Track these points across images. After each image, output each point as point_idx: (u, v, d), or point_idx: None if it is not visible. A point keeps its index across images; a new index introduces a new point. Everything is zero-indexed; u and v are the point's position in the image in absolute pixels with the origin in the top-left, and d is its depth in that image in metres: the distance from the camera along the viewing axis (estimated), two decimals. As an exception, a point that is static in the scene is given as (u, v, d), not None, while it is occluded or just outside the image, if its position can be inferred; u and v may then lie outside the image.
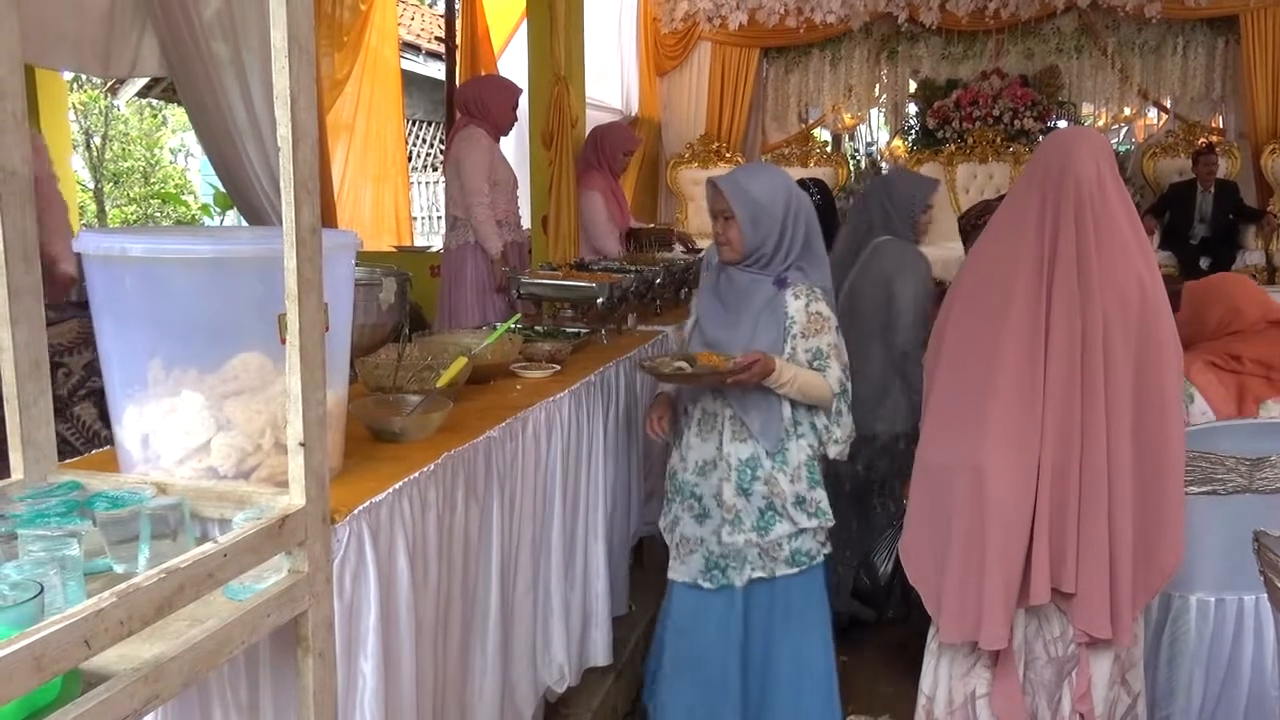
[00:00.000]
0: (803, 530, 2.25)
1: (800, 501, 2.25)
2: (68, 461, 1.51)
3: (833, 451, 2.28)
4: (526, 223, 4.66)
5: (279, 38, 1.08)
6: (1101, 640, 1.79)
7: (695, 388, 2.28)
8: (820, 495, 2.28)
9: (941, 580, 1.84)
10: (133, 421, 1.36)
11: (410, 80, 7.98)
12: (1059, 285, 1.74)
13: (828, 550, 2.33)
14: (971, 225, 2.74)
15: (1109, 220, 1.75)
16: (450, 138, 4.34)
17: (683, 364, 2.22)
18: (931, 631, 1.98)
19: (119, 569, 1.19)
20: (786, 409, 2.23)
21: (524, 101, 4.33)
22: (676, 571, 2.34)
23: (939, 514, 1.86)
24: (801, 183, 3.27)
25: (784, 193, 2.20)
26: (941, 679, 1.97)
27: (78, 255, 1.33)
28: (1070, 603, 1.80)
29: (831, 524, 2.29)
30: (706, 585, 2.29)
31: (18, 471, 1.26)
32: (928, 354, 2.05)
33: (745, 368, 2.10)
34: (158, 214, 10.74)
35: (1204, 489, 2.04)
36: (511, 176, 4.16)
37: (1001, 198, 2.76)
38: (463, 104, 4.17)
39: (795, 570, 2.27)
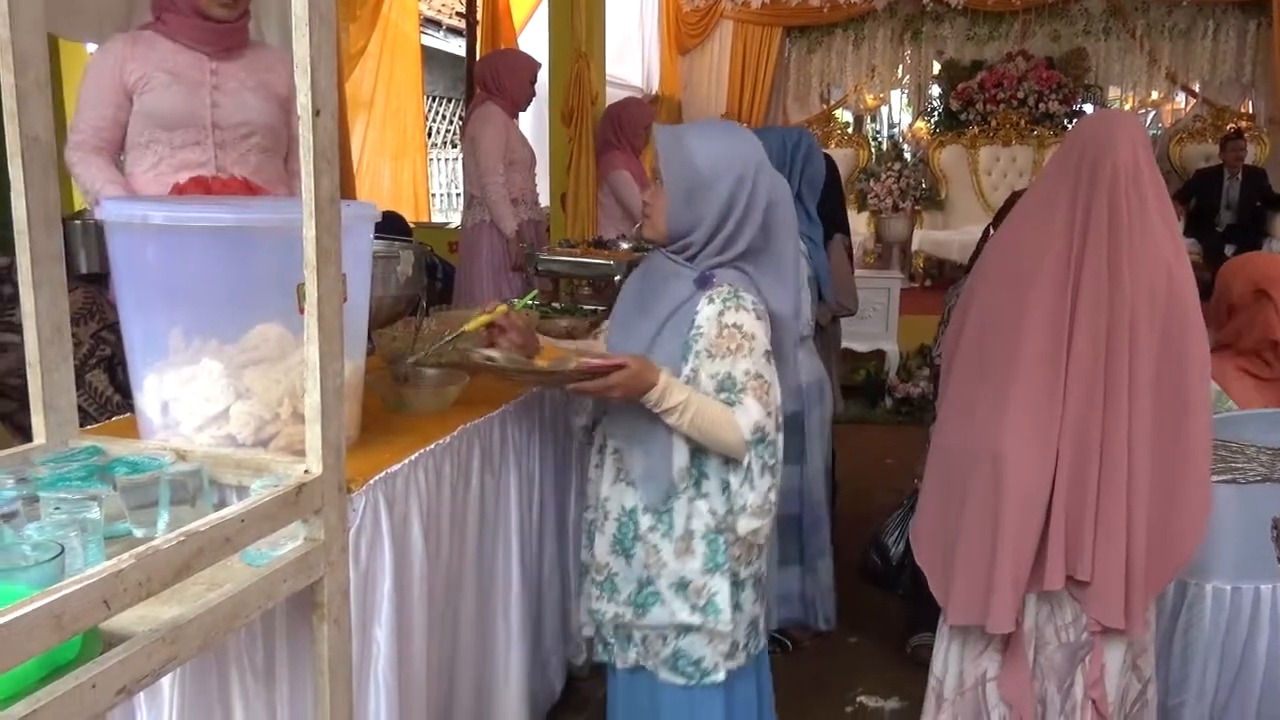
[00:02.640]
0: (688, 628, 1.65)
1: (681, 586, 1.63)
2: (88, 427, 1.52)
3: (743, 526, 1.62)
4: (545, 200, 4.65)
5: (299, 5, 1.07)
6: (1115, 629, 1.79)
7: (544, 387, 1.73)
8: (718, 586, 1.62)
9: (951, 563, 1.84)
10: (153, 389, 1.37)
11: (430, 56, 7.96)
12: (1087, 272, 1.72)
13: (737, 663, 1.69)
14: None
15: (1141, 210, 1.72)
16: (468, 114, 4.33)
17: (492, 354, 1.63)
18: (943, 614, 1.97)
19: (138, 533, 1.20)
20: (682, 453, 1.62)
21: (544, 78, 4.31)
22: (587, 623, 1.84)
23: (952, 496, 1.86)
24: None
25: (739, 166, 1.60)
26: (952, 661, 1.97)
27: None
28: (1085, 591, 1.79)
29: (728, 629, 1.63)
30: (597, 652, 1.80)
31: (39, 436, 1.28)
32: (947, 335, 2.03)
33: (596, 372, 1.53)
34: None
35: (1224, 478, 2.02)
36: (529, 155, 4.15)
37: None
38: (480, 80, 4.16)
39: (679, 680, 1.67)
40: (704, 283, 1.63)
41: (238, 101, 2.30)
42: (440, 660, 1.66)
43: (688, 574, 1.63)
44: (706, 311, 1.61)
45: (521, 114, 4.20)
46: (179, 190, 2.18)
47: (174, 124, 2.24)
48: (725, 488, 1.64)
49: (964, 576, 1.81)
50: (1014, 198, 2.98)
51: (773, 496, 1.63)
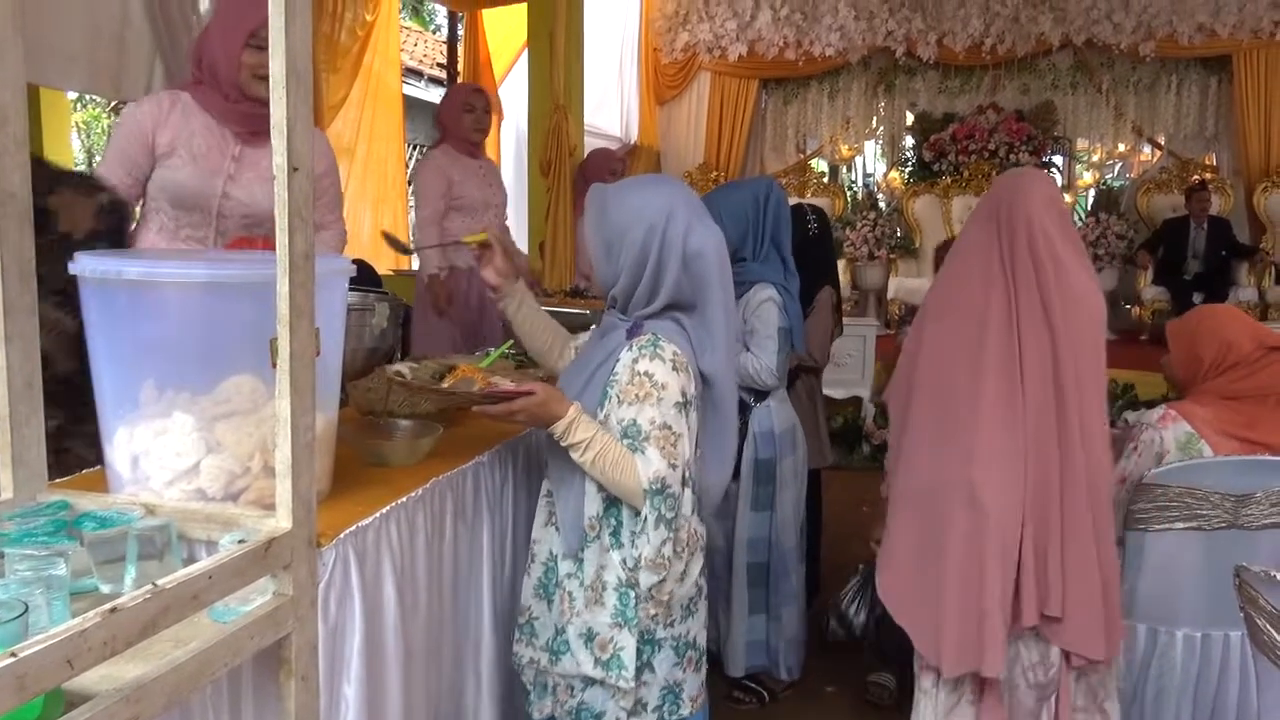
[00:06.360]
0: (592, 680, 1.64)
1: (589, 637, 1.62)
2: (57, 481, 1.51)
3: (643, 580, 1.60)
4: (524, 248, 4.66)
5: (277, 68, 1.10)
6: (1081, 665, 1.82)
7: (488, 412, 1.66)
8: (625, 641, 1.60)
9: (939, 612, 1.83)
10: (123, 442, 1.36)
11: (412, 105, 8.04)
12: (1024, 313, 1.82)
13: None
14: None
15: (1061, 247, 1.85)
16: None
17: (402, 369, 1.63)
18: (916, 667, 1.97)
19: (105, 589, 1.19)
20: (594, 501, 1.64)
21: (523, 127, 4.36)
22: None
23: (928, 544, 1.86)
24: (799, 208, 3.07)
25: (649, 216, 1.62)
26: (927, 716, 1.96)
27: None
28: (1059, 626, 1.81)
29: (629, 687, 1.60)
30: (525, 700, 1.81)
31: (7, 490, 1.27)
32: (892, 385, 2.04)
33: (502, 396, 1.55)
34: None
35: (1189, 525, 2.05)
36: (487, 197, 3.96)
37: None
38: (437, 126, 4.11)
39: None
40: (633, 332, 1.66)
41: (248, 192, 2.32)
42: (412, 715, 1.64)
43: (596, 625, 1.63)
44: (624, 358, 1.63)
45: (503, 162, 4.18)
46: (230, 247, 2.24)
47: (181, 204, 2.28)
48: (633, 540, 1.63)
49: (955, 623, 1.81)
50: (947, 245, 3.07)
51: (666, 551, 1.62)
